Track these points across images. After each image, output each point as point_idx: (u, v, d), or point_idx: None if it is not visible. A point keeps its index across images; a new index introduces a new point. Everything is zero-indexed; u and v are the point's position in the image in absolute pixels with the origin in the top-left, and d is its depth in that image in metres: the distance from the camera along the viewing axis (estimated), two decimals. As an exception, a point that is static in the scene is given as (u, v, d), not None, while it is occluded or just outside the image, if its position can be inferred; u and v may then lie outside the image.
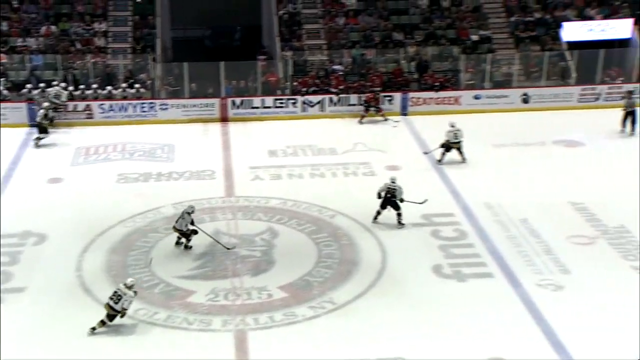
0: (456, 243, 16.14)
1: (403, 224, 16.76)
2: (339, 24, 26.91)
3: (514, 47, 26.48)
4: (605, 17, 26.62)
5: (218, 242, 15.83)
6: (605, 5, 27.18)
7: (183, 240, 15.69)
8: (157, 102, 24.02)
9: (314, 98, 24.40)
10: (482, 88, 25.09)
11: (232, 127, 23.73)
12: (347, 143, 22.03)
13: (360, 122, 23.86)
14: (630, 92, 23.17)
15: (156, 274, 14.82)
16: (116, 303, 12.77)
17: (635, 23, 26.20)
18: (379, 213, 16.88)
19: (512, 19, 27.26)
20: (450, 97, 24.64)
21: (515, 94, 24.92)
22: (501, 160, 20.80)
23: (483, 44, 26.35)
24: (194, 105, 24.14)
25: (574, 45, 25.86)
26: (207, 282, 14.62)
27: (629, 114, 22.53)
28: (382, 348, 12.55)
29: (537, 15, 27.21)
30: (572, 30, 26.28)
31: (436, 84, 24.76)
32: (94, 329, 12.84)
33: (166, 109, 23.98)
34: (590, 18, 26.68)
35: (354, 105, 24.39)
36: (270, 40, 28.09)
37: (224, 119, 24.12)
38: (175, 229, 15.58)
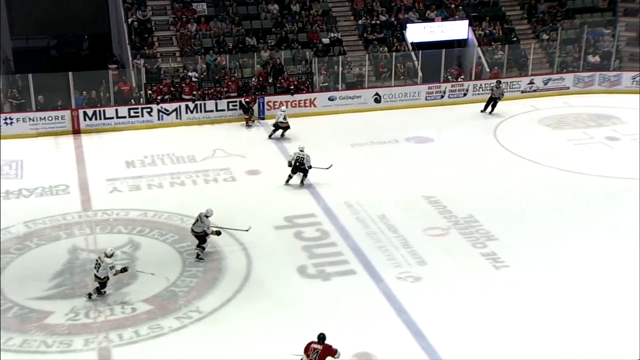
0: (319, 243, 16.42)
1: (303, 184, 18.76)
2: (190, 31, 26.59)
3: (364, 49, 27.30)
4: (444, 19, 28.08)
5: (236, 229, 16.09)
6: (443, 7, 28.61)
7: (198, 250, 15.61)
8: (1, 116, 22.65)
9: (169, 106, 23.97)
10: (336, 89, 25.67)
11: (86, 139, 22.83)
12: (206, 150, 21.83)
13: (248, 126, 23.85)
14: (499, 82, 25.12)
15: (8, 297, 14.00)
16: (97, 270, 13.79)
17: (470, 24, 27.80)
18: (290, 177, 19.07)
19: (360, 22, 28.10)
20: (305, 100, 25.02)
21: (367, 94, 25.70)
22: (358, 159, 21.39)
23: (334, 46, 26.96)
24: (42, 119, 22.99)
25: (418, 46, 27.04)
26: (66, 301, 14.00)
27: (493, 99, 24.73)
28: (252, 352, 12.57)
29: (383, 18, 28.20)
30: (416, 32, 27.50)
31: (291, 87, 25.05)
32: (90, 295, 13.94)
33: (11, 123, 22.68)
34: (431, 20, 28.03)
35: (210, 111, 24.20)
36: (121, 49, 27.30)
37: (76, 131, 23.15)
38: (193, 232, 15.62)
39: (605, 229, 16.77)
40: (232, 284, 14.74)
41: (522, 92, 26.49)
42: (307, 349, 11.65)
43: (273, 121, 22.89)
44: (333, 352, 11.60)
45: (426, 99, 25.94)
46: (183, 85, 24.35)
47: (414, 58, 26.73)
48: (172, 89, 24.35)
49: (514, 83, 26.47)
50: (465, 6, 28.85)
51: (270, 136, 22.78)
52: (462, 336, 13.03)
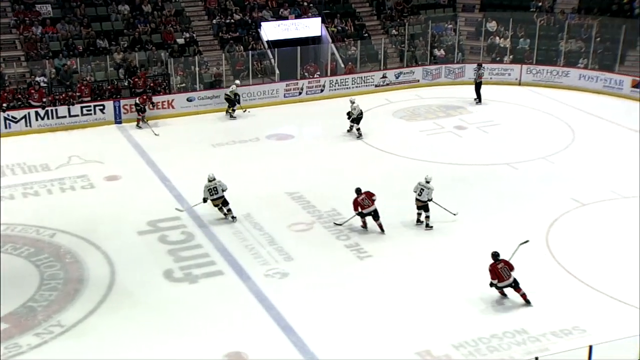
0: (184, 246, 16.11)
1: (431, 227, 16.69)
2: (35, 34, 25.20)
3: (220, 49, 27.05)
4: (297, 17, 28.36)
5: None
6: (296, 5, 28.90)
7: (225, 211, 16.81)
8: None
9: (17, 113, 22.62)
10: (194, 90, 25.26)
11: None
12: (60, 157, 20.81)
13: (139, 127, 23.06)
14: (480, 65, 26.06)
15: None
16: None
17: (323, 21, 28.28)
18: (419, 214, 16.97)
19: (215, 21, 27.81)
20: (163, 102, 24.44)
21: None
22: (220, 159, 21.17)
23: (189, 46, 26.52)
24: None
25: (274, 44, 27.14)
26: None
27: (478, 85, 25.58)
28: (120, 363, 12.16)
29: (237, 16, 28.08)
30: (270, 30, 27.60)
31: (148, 89, 24.37)
32: None
33: None
34: (285, 18, 28.22)
35: (63, 117, 23.10)
36: (-40, 54, 25.43)
37: None
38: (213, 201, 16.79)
39: (457, 211, 17.57)
40: (95, 294, 14.17)
41: (376, 86, 27.26)
42: (357, 204, 15.76)
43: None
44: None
45: (285, 96, 26.10)
46: (32, 91, 23.05)
47: (271, 56, 26.83)
48: (18, 95, 22.97)
49: (368, 78, 27.19)
50: (317, 4, 29.28)
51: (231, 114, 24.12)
52: (330, 328, 13.24)
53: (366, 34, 28.93)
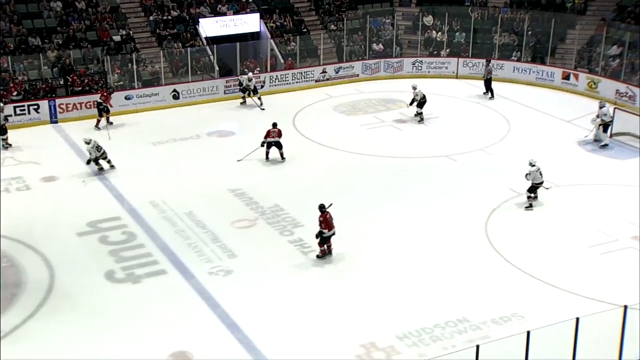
0: (126, 246, 15.85)
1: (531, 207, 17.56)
2: (-38, 32, 24.36)
3: (158, 46, 26.64)
4: (236, 13, 28.15)
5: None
6: (234, 1, 28.65)
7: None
8: None
9: (-54, 114, 21.82)
10: (132, 88, 24.83)
11: None
12: (-7, 159, 20.19)
13: (97, 128, 22.49)
14: (489, 61, 26.08)
15: None
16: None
17: (262, 17, 28.15)
18: (529, 198, 17.70)
19: (151, 18, 27.37)
20: (100, 100, 23.93)
21: (165, 91, 25.13)
22: (161, 157, 20.89)
23: (126, 44, 26.04)
24: None
25: (212, 41, 26.88)
26: None
27: (488, 81, 25.58)
28: (62, 368, 11.89)
29: (175, 13, 27.69)
30: (209, 26, 27.32)
31: (86, 88, 23.81)
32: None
33: None
34: (223, 14, 27.97)
35: (-5, 117, 22.37)
36: None
37: None
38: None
39: (398, 203, 17.81)
40: (33, 298, 13.83)
41: (316, 81, 27.29)
42: (268, 134, 17.27)
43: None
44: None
45: (225, 93, 25.89)
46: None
47: (210, 53, 26.56)
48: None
49: (308, 73, 27.20)
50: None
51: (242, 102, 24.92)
52: (275, 324, 13.24)
53: (305, 30, 28.94)
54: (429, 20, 29.55)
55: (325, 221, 15.13)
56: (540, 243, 16.02)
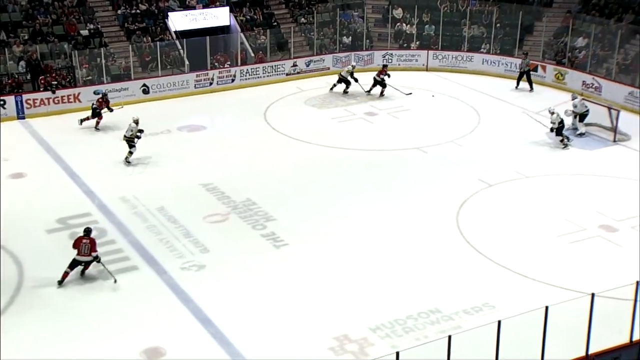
0: (97, 242, 15.64)
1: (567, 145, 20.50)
2: None
3: (126, 40, 26.35)
4: (205, 7, 27.91)
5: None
6: (203, -6, 28.47)
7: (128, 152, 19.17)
8: None
9: None
10: (101, 83, 24.51)
11: None
12: (-41, 156, 19.82)
13: (97, 129, 22.05)
14: (526, 54, 26.01)
15: None
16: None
17: (231, 11, 27.96)
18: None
19: (119, 11, 27.04)
20: (69, 95, 23.60)
21: (135, 85, 24.86)
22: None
23: (94, 38, 25.69)
24: None
25: (182, 34, 26.65)
26: None
27: (524, 73, 25.59)
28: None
29: (143, 7, 27.39)
30: (178, 20, 27.07)
31: (53, 82, 23.48)
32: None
33: None
34: (192, 7, 27.73)
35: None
36: None
37: None
38: (125, 137, 19.39)
39: (370, 196, 17.87)
40: (2, 296, 13.60)
41: (287, 74, 27.21)
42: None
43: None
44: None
45: (195, 87, 25.69)
46: None
47: (179, 47, 26.30)
48: None
49: (279, 66, 27.11)
50: (224, -8, 28.94)
51: (331, 89, 25.38)
52: (248, 318, 13.23)
53: (275, 23, 28.81)
54: (398, 12, 29.61)
55: (76, 243, 14.01)
56: (510, 233, 16.19)
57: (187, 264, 14.94)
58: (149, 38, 26.47)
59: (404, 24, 29.39)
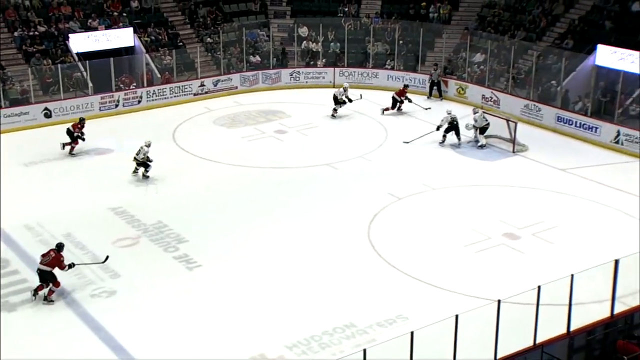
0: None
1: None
2: None
3: (25, 63, 25.47)
4: (108, 28, 27.35)
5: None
6: (105, 16, 27.86)
7: (139, 170, 19.70)
8: None
9: None
10: (0, 107, 23.60)
11: None
12: None
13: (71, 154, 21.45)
14: (436, 65, 27.29)
15: None
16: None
17: (135, 31, 27.53)
18: (444, 137, 22.44)
19: (16, 34, 26.13)
20: (-35, 121, 22.65)
21: (35, 109, 24.09)
22: (35, 178, 20.02)
23: (-9, 61, 24.77)
24: None
25: (84, 56, 26.01)
26: None
27: (436, 84, 27.10)
28: None
29: (42, 28, 26.58)
30: (80, 42, 26.42)
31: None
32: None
33: None
34: (94, 29, 27.12)
35: None
36: None
37: None
38: (136, 160, 19.60)
39: (282, 214, 17.93)
40: None
41: (195, 94, 27.01)
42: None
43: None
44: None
45: (100, 110, 25.12)
46: None
47: (82, 69, 25.66)
48: None
49: (186, 87, 26.88)
50: (127, 13, 28.44)
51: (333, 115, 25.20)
52: (163, 342, 12.98)
53: (181, 43, 28.57)
54: (304, 31, 29.97)
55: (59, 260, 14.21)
56: (420, 245, 16.59)
57: (97, 290, 14.53)
58: (49, 60, 25.70)
59: (310, 42, 29.76)
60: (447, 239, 16.80)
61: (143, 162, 19.67)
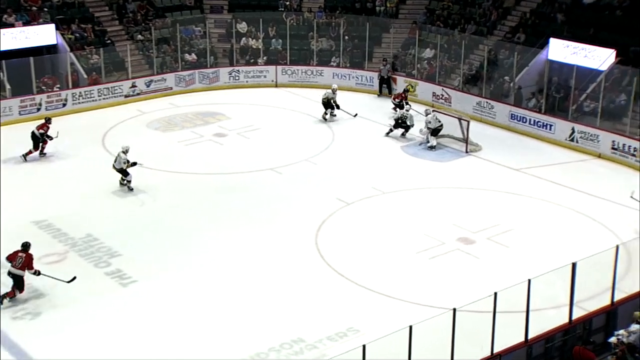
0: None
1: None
2: None
3: None
4: (26, 24, 26.67)
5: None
6: (22, 11, 27.18)
7: (125, 181, 19.27)
8: None
9: None
10: None
11: None
12: None
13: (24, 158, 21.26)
14: (385, 60, 27.62)
15: None
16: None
17: (58, 28, 26.94)
18: (391, 130, 23.54)
19: None
20: None
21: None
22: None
23: None
24: None
25: (1, 56, 25.33)
26: None
27: (384, 81, 27.44)
28: None
29: (-45, 26, 25.84)
30: (-4, 40, 25.77)
31: None
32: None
33: None
34: (11, 25, 26.41)
35: None
36: None
37: None
38: (115, 168, 19.17)
39: (224, 222, 17.83)
40: None
41: (126, 96, 26.65)
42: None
43: None
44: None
45: (20, 114, 24.54)
46: None
47: (-1, 69, 25.05)
48: None
49: (116, 88, 26.49)
50: (48, 8, 27.82)
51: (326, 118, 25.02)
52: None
53: (109, 41, 28.13)
54: (242, 27, 29.88)
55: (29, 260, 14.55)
56: (371, 253, 16.69)
57: (20, 312, 14.17)
58: (-39, 60, 25.00)
59: (250, 39, 29.68)
60: (399, 246, 16.96)
61: (122, 170, 19.33)
